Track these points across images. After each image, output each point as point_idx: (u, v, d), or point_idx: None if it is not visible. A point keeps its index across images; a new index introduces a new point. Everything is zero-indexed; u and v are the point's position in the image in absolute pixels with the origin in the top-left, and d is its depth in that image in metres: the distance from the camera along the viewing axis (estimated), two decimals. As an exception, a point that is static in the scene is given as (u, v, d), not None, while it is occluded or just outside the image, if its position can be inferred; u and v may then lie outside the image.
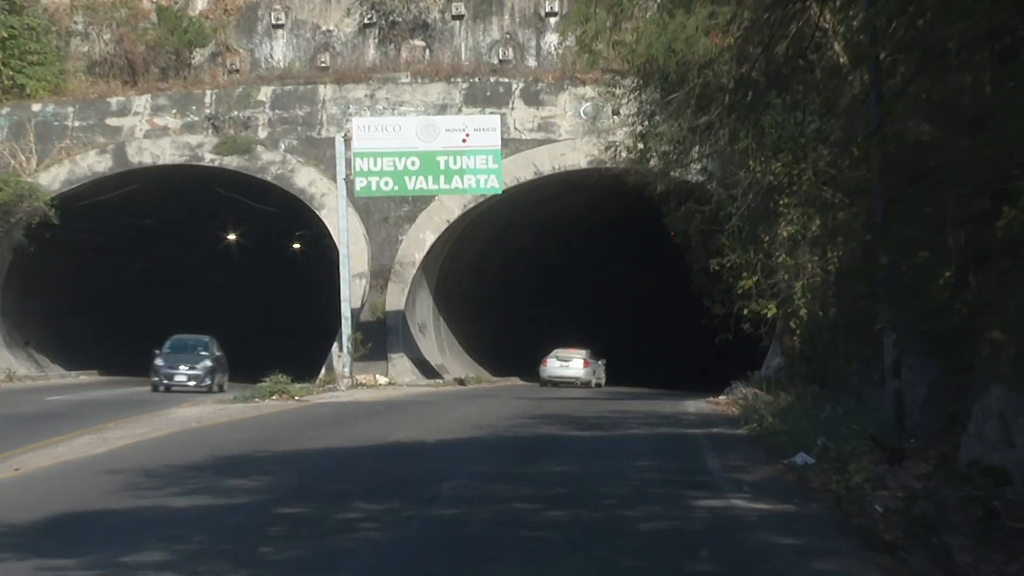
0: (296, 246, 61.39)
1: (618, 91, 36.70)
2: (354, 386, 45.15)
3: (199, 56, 57.49)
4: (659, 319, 71.44)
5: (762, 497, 15.33)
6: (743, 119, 23.80)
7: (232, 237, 60.80)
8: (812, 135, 22.29)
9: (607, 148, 36.57)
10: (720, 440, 22.99)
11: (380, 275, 50.33)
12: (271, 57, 56.75)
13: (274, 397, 37.37)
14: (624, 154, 36.21)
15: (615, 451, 21.06)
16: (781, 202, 22.53)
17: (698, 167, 35.92)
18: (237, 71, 56.01)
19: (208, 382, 42.15)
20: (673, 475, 17.59)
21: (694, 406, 33.78)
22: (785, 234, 22.77)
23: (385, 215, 50.90)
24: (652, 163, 35.63)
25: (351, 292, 48.65)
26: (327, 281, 49.52)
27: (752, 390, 36.85)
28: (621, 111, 37.05)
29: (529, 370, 56.99)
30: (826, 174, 22.51)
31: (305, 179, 51.04)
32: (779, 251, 22.75)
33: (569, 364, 51.60)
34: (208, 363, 42.89)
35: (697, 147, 34.82)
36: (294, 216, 53.37)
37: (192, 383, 41.80)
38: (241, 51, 57.73)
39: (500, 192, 47.33)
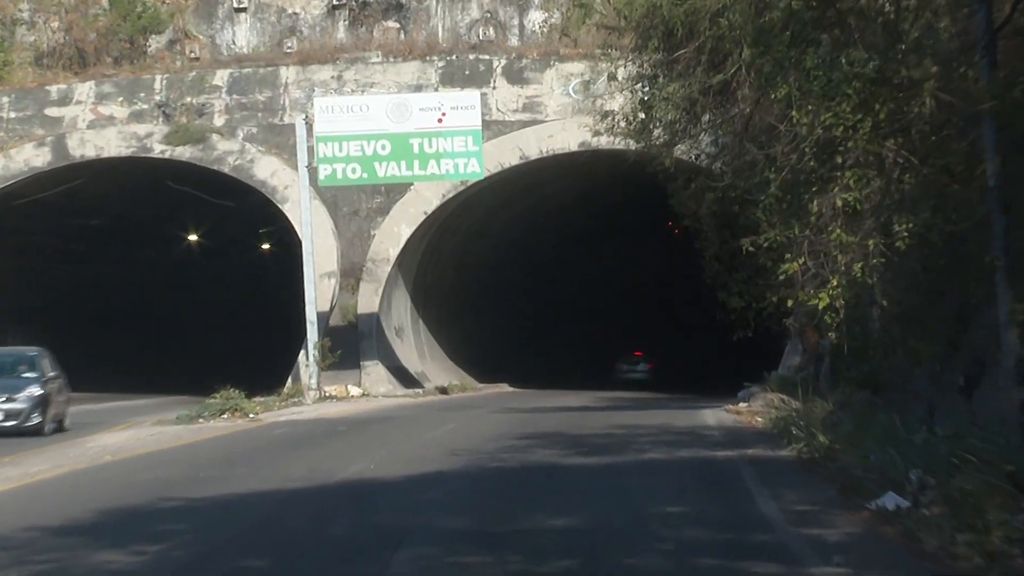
0: (265, 246, 56.49)
1: (614, 52, 31.74)
2: (322, 399, 40.11)
3: (155, 44, 52.53)
4: (664, 314, 66.51)
5: (866, 572, 10.34)
6: (781, 67, 18.84)
7: (193, 238, 55.84)
8: (873, 75, 17.42)
9: (603, 118, 31.59)
10: (764, 468, 18.00)
11: (351, 274, 45.32)
12: (233, 43, 51.62)
13: (225, 416, 32.37)
14: (623, 125, 31.15)
15: (633, 489, 16.05)
16: (837, 160, 17.65)
17: (709, 138, 30.88)
18: (197, 59, 50.94)
19: (36, 419, 28.21)
20: (719, 530, 12.59)
21: (713, 417, 28.80)
22: (840, 203, 17.88)
23: (355, 207, 45.91)
24: (656, 134, 30.68)
25: (318, 294, 43.61)
26: (295, 282, 44.51)
27: (777, 395, 31.90)
28: (618, 75, 32.04)
29: (519, 374, 52.01)
30: (890, 125, 17.61)
31: (266, 170, 46.02)
32: (833, 224, 17.86)
33: (636, 368, 54.86)
34: (34, 391, 28.55)
35: (708, 115, 29.89)
36: (257, 211, 48.35)
37: (9, 422, 27.87)
38: (201, 37, 52.64)
39: (482, 177, 42.35)
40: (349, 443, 24.09)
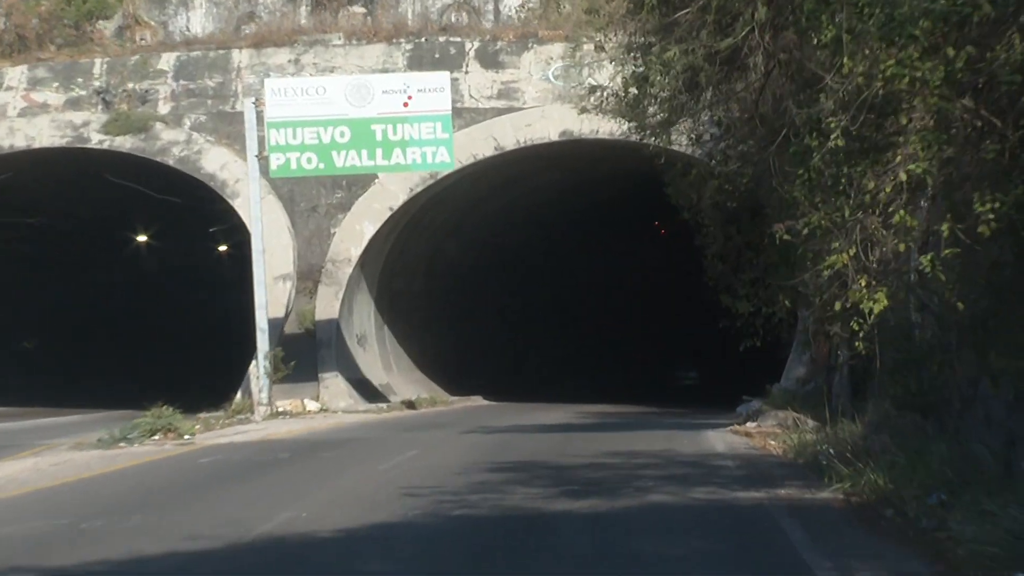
0: (223, 248, 52.14)
1: (600, 18, 27.65)
2: (273, 415, 35.85)
3: (105, 30, 48.26)
4: (657, 320, 62.42)
5: None
6: (826, 1, 14.71)
7: (143, 238, 51.55)
8: (947, 10, 13.38)
9: (590, 92, 27.49)
10: (809, 519, 13.86)
11: (308, 276, 41.09)
12: (187, 30, 47.30)
13: (156, 437, 28.12)
14: (612, 102, 27.00)
15: (644, 556, 11.86)
16: (900, 122, 13.56)
17: (713, 117, 26.75)
18: (145, 44, 46.69)
19: None
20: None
21: (721, 441, 24.62)
22: (904, 176, 13.76)
23: (314, 203, 41.69)
24: (651, 112, 26.55)
25: (272, 298, 39.46)
26: (250, 286, 40.24)
27: (790, 414, 27.77)
28: (606, 46, 27.91)
29: (497, 386, 47.81)
30: (969, 76, 13.53)
31: (215, 162, 41.77)
32: (896, 202, 13.76)
33: (689, 375, 57.10)
34: None
35: (712, 89, 25.76)
36: (208, 208, 44.04)
37: None
38: (152, 23, 48.37)
39: (452, 168, 38.19)
40: (287, 477, 19.87)
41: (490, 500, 16.09)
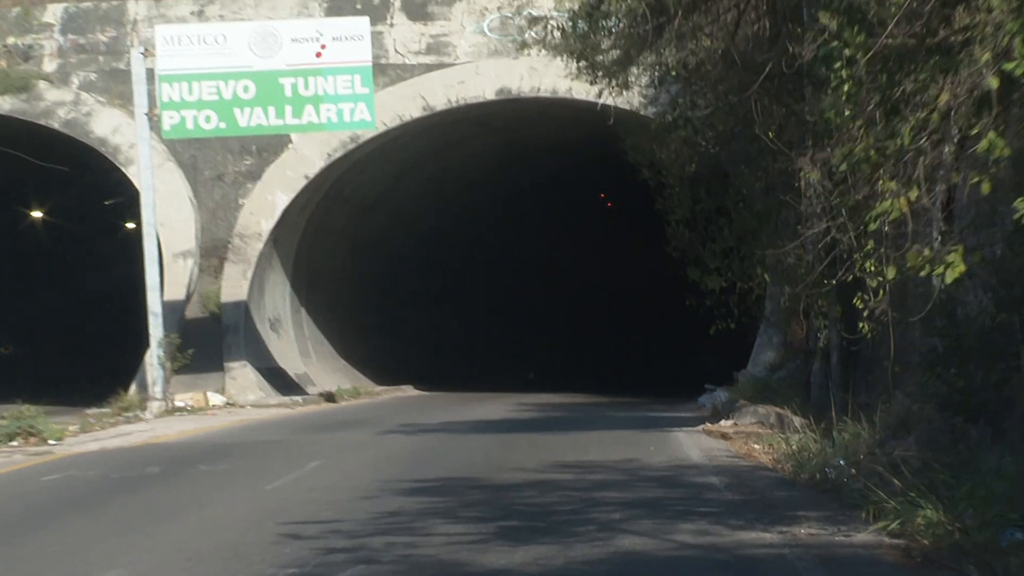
0: (131, 225, 47.19)
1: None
2: (168, 412, 31.19)
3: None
4: (606, 301, 57.97)
5: None
6: None
7: (38, 214, 46.63)
8: None
9: (530, 24, 23.03)
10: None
11: (214, 253, 36.37)
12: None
13: (15, 442, 23.47)
14: (558, 36, 22.46)
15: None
16: (977, 3, 9.28)
17: (675, 55, 22.28)
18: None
19: None
20: None
21: (694, 445, 20.13)
22: (995, 83, 9.24)
23: (219, 171, 36.94)
24: (605, 47, 22.06)
25: (172, 277, 34.93)
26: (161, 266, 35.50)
27: (771, 408, 23.35)
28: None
29: (430, 375, 43.28)
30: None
31: (107, 125, 36.95)
32: (978, 124, 9.36)
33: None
34: None
35: (677, 19, 21.28)
36: (102, 178, 39.19)
37: None
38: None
39: (373, 127, 33.63)
40: (139, 506, 15.25)
41: (398, 548, 11.55)
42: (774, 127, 21.13)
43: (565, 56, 22.08)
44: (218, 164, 36.93)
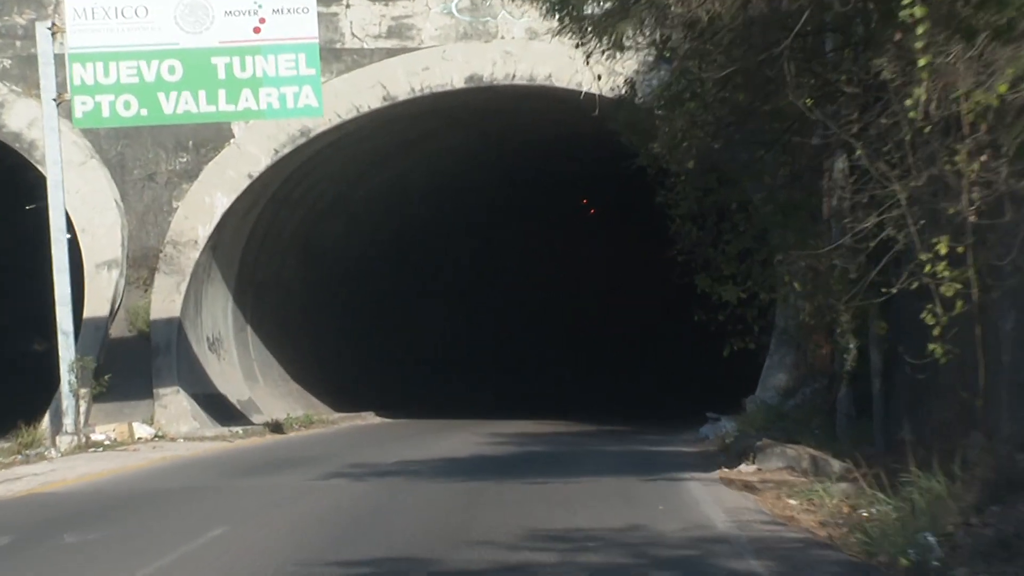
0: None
1: None
2: (82, 447, 26.62)
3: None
4: (593, 316, 53.44)
5: None
6: None
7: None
8: None
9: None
10: None
11: (143, 263, 31.77)
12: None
13: None
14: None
15: None
16: None
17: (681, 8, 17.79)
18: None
19: None
20: None
21: (714, 501, 15.59)
22: None
23: (150, 170, 32.35)
24: (588, 10, 17.63)
25: (93, 290, 30.54)
26: (75, 277, 30.95)
27: (802, 451, 18.80)
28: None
29: (393, 397, 38.80)
30: None
31: (23, 118, 32.30)
32: None
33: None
34: None
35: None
36: (20, 177, 34.59)
37: None
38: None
39: (321, 114, 29.09)
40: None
41: None
42: (806, 97, 16.67)
43: (544, 6, 17.61)
44: (149, 162, 32.37)
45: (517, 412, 37.32)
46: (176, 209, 32.00)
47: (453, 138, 37.57)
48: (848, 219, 16.16)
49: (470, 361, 45.83)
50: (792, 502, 15.42)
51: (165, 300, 31.06)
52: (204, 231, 31.74)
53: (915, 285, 14.97)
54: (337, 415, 35.47)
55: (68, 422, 26.75)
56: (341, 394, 37.36)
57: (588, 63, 18.94)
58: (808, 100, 16.03)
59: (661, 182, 19.67)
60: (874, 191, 15.71)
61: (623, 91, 19.87)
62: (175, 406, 30.07)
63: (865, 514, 13.79)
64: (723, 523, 13.76)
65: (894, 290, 15.24)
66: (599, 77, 19.11)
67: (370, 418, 36.29)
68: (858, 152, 15.35)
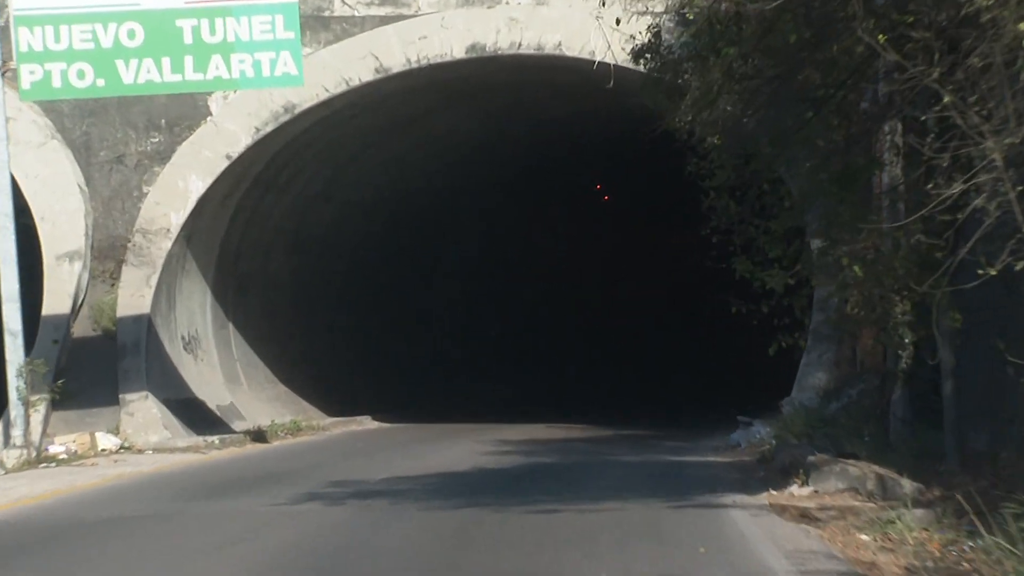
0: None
1: None
2: (31, 463, 23.56)
3: None
4: (617, 309, 50.39)
5: None
6: None
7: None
8: None
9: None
10: None
11: (109, 255, 28.68)
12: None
13: None
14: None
15: None
16: None
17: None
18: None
19: None
20: None
21: (766, 538, 12.43)
22: None
23: (119, 151, 29.26)
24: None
25: (54, 284, 27.58)
26: (33, 270, 27.99)
27: (867, 469, 15.63)
28: None
29: (393, 399, 35.76)
30: None
31: (-23, 94, 29.26)
32: None
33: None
34: None
35: None
36: None
37: None
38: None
39: (301, 84, 25.83)
40: None
41: None
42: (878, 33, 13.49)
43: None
44: (118, 142, 29.28)
45: (526, 411, 34.31)
46: (147, 194, 28.92)
47: (452, 116, 34.41)
48: (929, 185, 13.00)
49: (473, 356, 42.77)
50: (864, 538, 12.34)
51: (134, 295, 27.96)
52: (178, 218, 28.63)
53: (1020, 266, 11.90)
54: (329, 420, 32.38)
55: (16, 433, 23.70)
56: (335, 395, 34.27)
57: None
58: (881, 36, 12.89)
59: (692, 148, 16.52)
60: (958, 150, 12.67)
61: (647, 38, 16.68)
62: (143, 413, 26.98)
63: (961, 556, 10.79)
64: (785, 573, 10.61)
65: (993, 271, 12.13)
66: (617, 21, 15.98)
67: (366, 423, 33.18)
68: (946, 99, 12.22)
